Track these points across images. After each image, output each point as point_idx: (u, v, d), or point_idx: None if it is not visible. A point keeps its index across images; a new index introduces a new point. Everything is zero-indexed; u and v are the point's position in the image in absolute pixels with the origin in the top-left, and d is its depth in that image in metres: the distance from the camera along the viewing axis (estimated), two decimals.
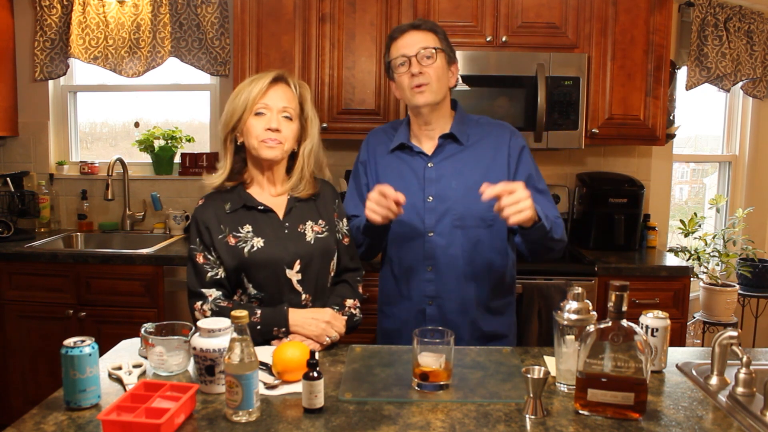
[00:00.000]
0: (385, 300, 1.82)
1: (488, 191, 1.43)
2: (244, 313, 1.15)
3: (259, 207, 1.60)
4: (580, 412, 1.18)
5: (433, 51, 1.62)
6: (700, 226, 3.27)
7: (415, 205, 1.67)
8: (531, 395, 1.15)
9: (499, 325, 1.75)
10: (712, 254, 3.28)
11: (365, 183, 1.80)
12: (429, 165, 1.69)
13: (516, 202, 1.42)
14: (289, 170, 1.67)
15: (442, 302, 1.69)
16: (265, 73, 1.60)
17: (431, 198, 1.67)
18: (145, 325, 1.37)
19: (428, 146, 1.71)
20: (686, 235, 3.25)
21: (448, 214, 1.66)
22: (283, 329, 1.52)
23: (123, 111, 3.47)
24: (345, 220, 1.74)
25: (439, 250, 1.67)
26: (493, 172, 1.65)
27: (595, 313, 1.29)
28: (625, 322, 1.15)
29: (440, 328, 1.29)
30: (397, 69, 1.66)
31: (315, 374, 1.16)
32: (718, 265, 3.37)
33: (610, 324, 1.15)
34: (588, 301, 1.29)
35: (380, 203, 1.50)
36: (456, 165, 1.68)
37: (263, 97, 1.56)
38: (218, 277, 1.57)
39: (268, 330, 1.52)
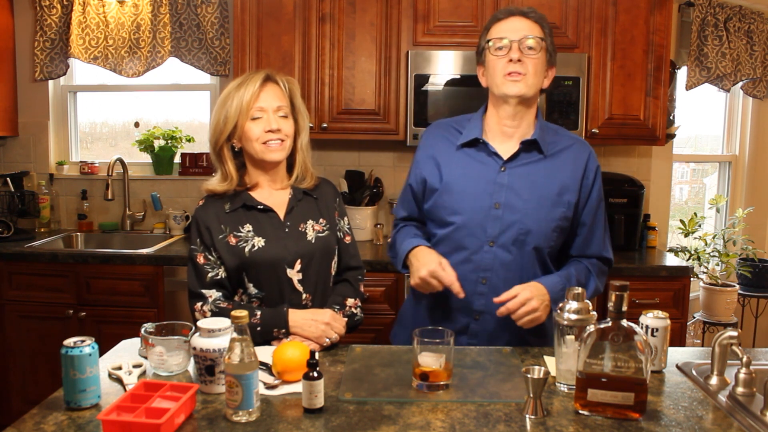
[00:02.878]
0: (426, 306, 1.65)
1: (502, 309, 1.44)
2: (244, 313, 1.15)
3: (259, 207, 1.60)
4: (580, 412, 1.18)
5: (540, 41, 1.50)
6: (700, 226, 3.27)
7: (480, 210, 1.53)
8: (531, 395, 1.15)
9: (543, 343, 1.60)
10: (712, 254, 3.28)
11: (418, 181, 1.64)
12: (502, 169, 1.54)
13: (528, 312, 1.43)
14: (288, 166, 1.68)
15: (489, 319, 1.55)
16: (251, 75, 1.58)
17: (498, 205, 1.53)
18: (145, 325, 1.37)
19: (504, 148, 1.56)
20: (686, 235, 3.25)
21: (515, 226, 1.52)
22: (283, 330, 1.52)
23: (123, 111, 3.47)
24: (346, 218, 1.74)
25: (498, 263, 1.53)
26: (567, 190, 1.55)
27: (595, 313, 1.29)
28: (625, 322, 1.15)
29: (440, 328, 1.29)
30: (493, 51, 1.51)
31: (315, 374, 1.16)
32: (718, 265, 3.37)
33: (610, 324, 1.15)
34: (588, 301, 1.29)
35: (431, 284, 1.45)
36: (531, 175, 1.54)
37: (257, 100, 1.55)
38: (219, 277, 1.57)
39: (268, 331, 1.52)
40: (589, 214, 1.58)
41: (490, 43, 1.53)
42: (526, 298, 1.42)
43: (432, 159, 1.62)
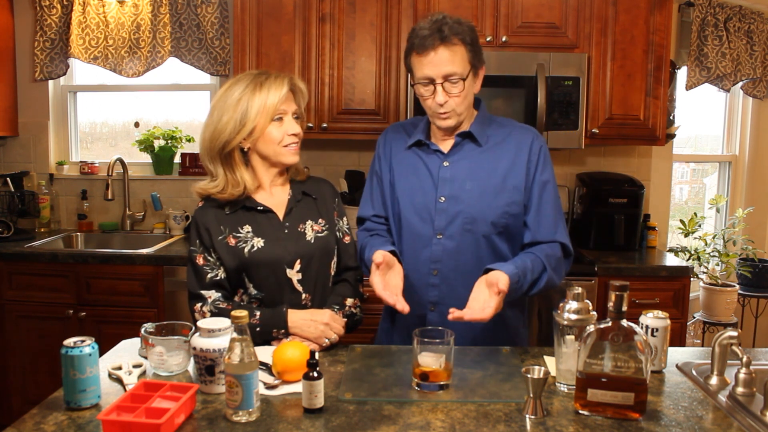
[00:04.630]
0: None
1: (457, 314, 1.35)
2: (244, 313, 1.15)
3: (258, 207, 1.60)
4: (580, 412, 1.18)
5: (461, 76, 1.51)
6: (700, 226, 3.27)
7: (427, 204, 1.60)
8: (531, 395, 1.15)
9: (507, 337, 1.65)
10: (712, 254, 3.28)
11: (379, 177, 1.72)
12: (444, 164, 1.61)
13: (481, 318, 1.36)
14: None
15: (445, 309, 1.55)
16: (273, 78, 1.56)
17: (443, 198, 1.59)
18: (145, 325, 1.37)
19: (445, 144, 1.64)
20: (686, 235, 3.25)
21: (460, 217, 1.58)
22: (282, 331, 1.52)
23: (123, 111, 3.47)
24: (345, 218, 1.74)
25: (447, 254, 1.58)
26: (511, 176, 1.59)
27: (595, 313, 1.29)
28: (625, 322, 1.15)
29: (440, 328, 1.29)
30: (419, 89, 1.56)
31: (315, 374, 1.16)
32: (718, 265, 3.37)
33: (610, 324, 1.15)
34: (588, 301, 1.29)
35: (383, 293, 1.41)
36: (472, 166, 1.60)
37: (282, 103, 1.57)
38: (218, 278, 1.57)
39: (267, 331, 1.52)
40: (536, 195, 1.60)
41: (416, 79, 1.56)
42: (489, 308, 1.36)
43: (386, 159, 1.71)
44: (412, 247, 1.63)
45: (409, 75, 1.65)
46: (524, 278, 1.48)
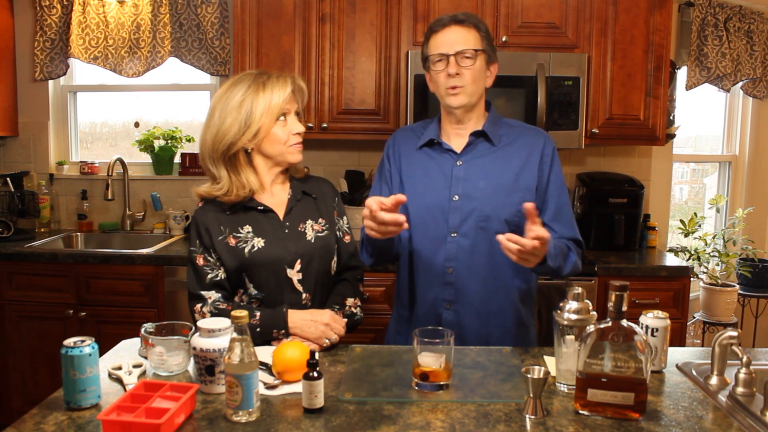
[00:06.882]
0: (399, 301, 1.74)
1: (532, 233, 1.33)
2: (244, 313, 1.15)
3: (259, 207, 1.60)
4: (580, 412, 1.18)
5: (474, 52, 1.56)
6: (700, 226, 3.27)
7: (440, 203, 1.61)
8: (531, 395, 1.15)
9: (521, 335, 1.67)
10: (712, 254, 3.28)
11: (387, 179, 1.72)
12: (458, 163, 1.63)
13: (532, 251, 1.34)
14: None
15: (460, 307, 1.62)
16: (275, 78, 1.57)
17: (457, 197, 1.60)
18: (145, 325, 1.37)
19: (458, 144, 1.65)
20: (686, 235, 3.25)
21: (474, 215, 1.59)
22: (282, 331, 1.52)
23: (123, 111, 3.47)
24: (345, 218, 1.74)
25: (462, 252, 1.60)
26: (524, 176, 1.61)
27: (595, 313, 1.29)
28: (625, 322, 1.15)
29: (440, 328, 1.29)
30: (434, 65, 1.60)
31: (315, 374, 1.16)
32: (718, 265, 3.38)
33: (610, 324, 1.15)
34: (588, 301, 1.29)
35: (375, 219, 1.36)
36: (485, 165, 1.62)
37: (287, 103, 1.57)
38: (218, 278, 1.57)
39: (268, 332, 1.52)
40: (554, 195, 1.63)
41: (430, 58, 1.62)
42: (536, 245, 1.33)
43: (395, 161, 1.71)
44: (426, 247, 1.63)
45: (425, 63, 1.65)
46: (556, 249, 1.52)
